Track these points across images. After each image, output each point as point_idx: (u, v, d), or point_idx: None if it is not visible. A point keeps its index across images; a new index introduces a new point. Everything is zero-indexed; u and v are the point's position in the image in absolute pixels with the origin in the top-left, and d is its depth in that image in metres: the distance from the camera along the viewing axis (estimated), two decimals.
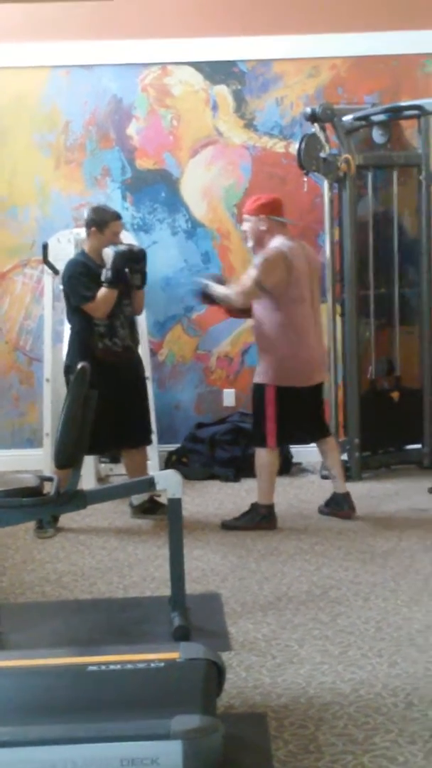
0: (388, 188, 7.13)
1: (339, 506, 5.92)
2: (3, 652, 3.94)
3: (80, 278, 5.70)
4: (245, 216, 5.79)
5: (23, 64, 7.17)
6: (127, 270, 5.73)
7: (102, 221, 5.76)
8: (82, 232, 6.69)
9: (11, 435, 7.43)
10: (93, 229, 5.76)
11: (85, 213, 5.88)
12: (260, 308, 5.70)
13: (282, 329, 5.66)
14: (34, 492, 4.31)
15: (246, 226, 5.79)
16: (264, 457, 5.76)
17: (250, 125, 7.27)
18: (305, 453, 6.95)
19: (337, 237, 6.96)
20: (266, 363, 5.72)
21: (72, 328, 5.88)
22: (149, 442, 6.08)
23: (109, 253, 5.67)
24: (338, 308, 6.95)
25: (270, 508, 5.78)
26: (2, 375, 7.40)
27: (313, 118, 6.64)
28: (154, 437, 6.91)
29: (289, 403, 5.69)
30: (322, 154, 6.58)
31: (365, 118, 6.89)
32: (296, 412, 5.74)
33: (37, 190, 7.28)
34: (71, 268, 5.78)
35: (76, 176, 7.28)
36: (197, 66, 7.21)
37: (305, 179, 6.71)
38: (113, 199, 7.25)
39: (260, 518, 5.74)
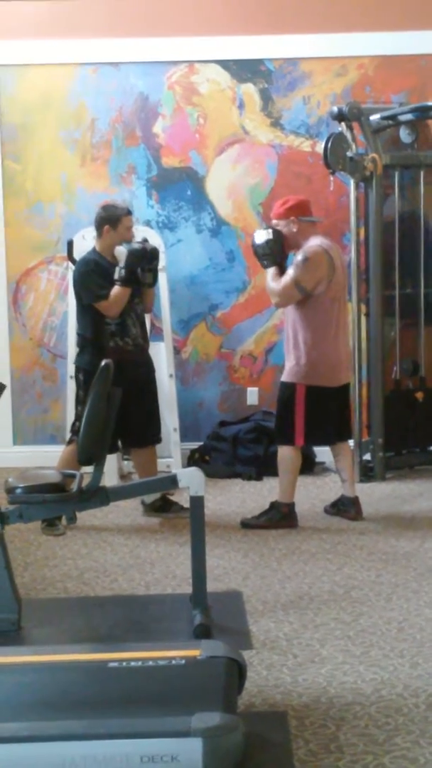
0: (414, 188, 7.10)
1: (346, 509, 5.89)
2: (25, 647, 3.95)
3: (93, 276, 5.67)
4: (274, 221, 5.72)
5: (51, 61, 7.19)
6: (138, 269, 5.69)
7: (115, 218, 5.72)
8: None
9: (34, 431, 7.45)
10: (106, 227, 5.72)
11: (96, 213, 5.86)
12: (294, 305, 5.67)
13: (316, 328, 5.62)
14: (57, 488, 4.33)
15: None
16: (288, 455, 5.74)
17: (276, 124, 7.26)
18: (328, 452, 6.91)
19: (363, 236, 6.94)
20: (297, 362, 5.68)
21: (82, 328, 5.83)
22: (158, 441, 6.00)
23: (122, 251, 5.63)
24: (363, 308, 6.92)
25: (291, 506, 5.76)
26: (26, 371, 7.42)
27: (340, 117, 6.62)
28: (176, 435, 6.93)
29: (318, 403, 5.66)
30: (349, 154, 6.56)
31: (392, 117, 6.86)
32: (324, 412, 5.71)
33: (63, 186, 7.30)
34: (84, 266, 5.75)
35: (101, 173, 7.29)
36: (224, 64, 7.21)
37: (331, 178, 6.70)
38: (138, 196, 7.26)
39: (281, 517, 5.73)
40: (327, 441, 6.01)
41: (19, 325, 7.40)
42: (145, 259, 5.67)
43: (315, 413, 5.66)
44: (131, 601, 4.66)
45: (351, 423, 6.06)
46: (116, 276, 5.62)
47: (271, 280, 5.66)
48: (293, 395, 5.67)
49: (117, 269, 5.63)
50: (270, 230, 5.73)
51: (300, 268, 5.53)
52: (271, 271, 5.67)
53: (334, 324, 5.66)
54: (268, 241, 5.69)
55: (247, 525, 5.73)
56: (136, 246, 5.67)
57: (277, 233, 5.68)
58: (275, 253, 5.69)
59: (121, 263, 5.63)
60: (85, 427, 4.32)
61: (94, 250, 5.84)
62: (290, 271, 5.58)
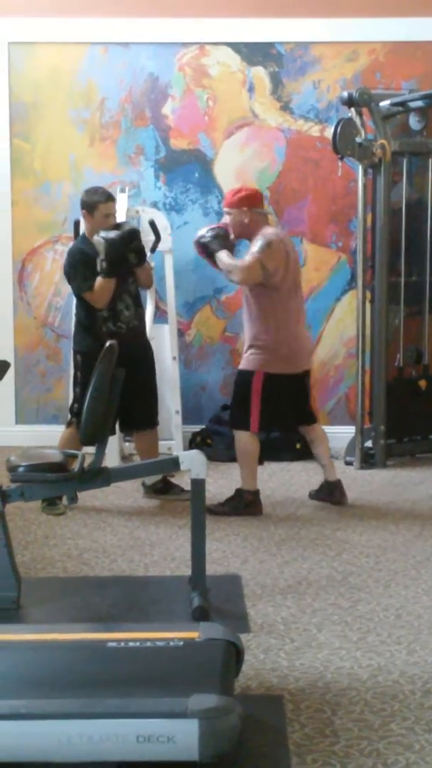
0: (423, 175, 7.09)
1: (330, 494, 5.90)
2: (24, 625, 3.96)
3: (79, 267, 5.64)
4: (226, 209, 5.73)
5: (62, 40, 7.17)
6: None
7: (91, 204, 5.68)
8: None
9: (37, 410, 7.46)
10: (84, 212, 5.72)
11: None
12: (252, 296, 5.66)
13: (275, 319, 5.62)
14: (59, 467, 4.34)
15: (227, 219, 5.72)
16: (245, 441, 5.72)
17: (286, 108, 7.24)
18: (333, 438, 6.92)
19: (370, 223, 6.92)
20: (256, 350, 5.67)
21: (77, 314, 5.85)
22: (154, 425, 5.96)
23: (100, 242, 5.54)
24: (368, 294, 6.91)
25: (255, 494, 5.74)
26: (30, 351, 7.42)
27: (349, 102, 6.60)
28: (178, 417, 6.93)
29: (275, 390, 5.66)
30: (358, 139, 6.55)
31: (402, 104, 6.84)
32: (281, 399, 5.70)
33: (71, 166, 7.28)
34: (71, 257, 5.73)
35: (110, 154, 7.28)
36: (235, 47, 7.18)
37: (340, 164, 6.68)
38: (146, 177, 7.25)
39: (245, 505, 5.70)
40: (285, 426, 6.20)
41: (23, 304, 7.40)
42: (123, 244, 5.58)
43: (273, 400, 5.66)
44: (130, 582, 4.67)
45: (313, 408, 6.03)
46: (98, 268, 5.57)
47: (228, 257, 5.62)
48: (250, 383, 5.66)
49: (98, 261, 5.57)
50: (216, 225, 5.82)
51: (263, 249, 5.51)
52: (224, 252, 5.64)
53: (291, 314, 5.67)
54: (213, 229, 5.73)
55: (211, 511, 5.55)
56: (111, 235, 5.55)
57: (223, 229, 5.71)
58: (222, 240, 5.67)
59: (101, 255, 5.56)
60: (89, 407, 4.32)
61: (83, 235, 5.83)
62: (253, 250, 5.54)
